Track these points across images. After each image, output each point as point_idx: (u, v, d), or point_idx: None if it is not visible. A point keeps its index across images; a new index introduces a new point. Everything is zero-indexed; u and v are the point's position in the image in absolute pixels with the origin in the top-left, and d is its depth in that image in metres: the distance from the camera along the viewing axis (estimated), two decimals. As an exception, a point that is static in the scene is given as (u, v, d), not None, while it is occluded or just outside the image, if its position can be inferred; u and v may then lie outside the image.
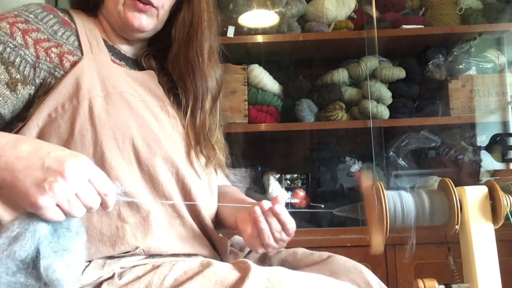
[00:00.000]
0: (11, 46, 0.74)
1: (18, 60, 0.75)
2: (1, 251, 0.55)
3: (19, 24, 0.76)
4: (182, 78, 0.91)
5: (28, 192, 0.58)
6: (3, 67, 0.74)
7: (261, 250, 0.81)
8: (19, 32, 0.75)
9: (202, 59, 0.90)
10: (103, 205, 0.63)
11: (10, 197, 0.68)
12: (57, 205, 0.58)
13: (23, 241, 0.56)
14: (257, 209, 0.78)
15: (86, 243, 0.64)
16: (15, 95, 0.75)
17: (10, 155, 0.61)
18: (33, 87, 0.77)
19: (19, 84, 0.75)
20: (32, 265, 0.56)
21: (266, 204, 0.79)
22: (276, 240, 0.79)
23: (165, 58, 0.93)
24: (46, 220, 0.58)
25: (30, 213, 0.59)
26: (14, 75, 0.74)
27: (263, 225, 0.78)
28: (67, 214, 0.59)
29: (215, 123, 0.95)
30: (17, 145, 0.62)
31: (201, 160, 0.89)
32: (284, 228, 0.79)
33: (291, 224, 0.79)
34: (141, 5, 0.84)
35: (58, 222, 0.59)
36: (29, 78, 0.76)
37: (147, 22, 0.86)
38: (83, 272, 0.70)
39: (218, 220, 0.94)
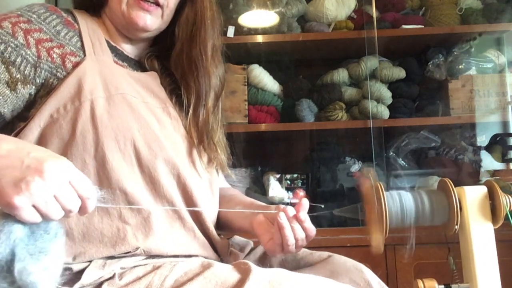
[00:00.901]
0: (13, 45, 0.75)
1: (19, 59, 0.75)
2: None
3: (22, 24, 0.76)
4: (185, 77, 0.90)
5: (4, 191, 0.55)
6: (3, 66, 0.74)
7: (280, 255, 0.81)
8: (21, 32, 0.76)
9: (206, 57, 0.90)
10: (82, 209, 0.61)
11: None
12: (34, 206, 0.56)
13: None
14: (283, 216, 0.77)
15: (65, 245, 0.62)
16: (15, 94, 0.75)
17: None
18: (33, 87, 0.77)
19: (19, 83, 0.75)
20: (7, 269, 0.54)
21: (291, 210, 0.78)
22: (297, 246, 0.79)
23: (168, 58, 0.93)
24: (22, 222, 0.56)
25: (6, 214, 0.56)
26: (14, 75, 0.74)
27: (288, 232, 0.77)
28: (43, 216, 0.57)
29: (217, 122, 0.95)
30: None
31: (204, 159, 0.89)
32: (306, 234, 0.79)
33: (312, 231, 0.79)
34: (146, 5, 0.84)
35: (35, 224, 0.57)
36: (30, 78, 0.76)
37: (152, 22, 0.86)
38: (83, 272, 0.70)
39: (223, 221, 0.94)
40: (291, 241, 0.77)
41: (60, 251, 0.59)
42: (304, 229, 0.78)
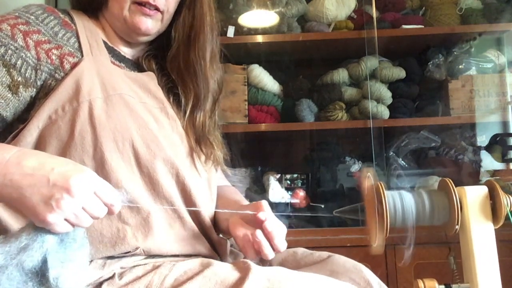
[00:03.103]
0: (13, 48, 0.74)
1: (19, 62, 0.74)
2: (10, 259, 0.57)
3: (20, 26, 0.76)
4: (182, 78, 0.91)
5: (36, 209, 0.59)
6: (4, 69, 0.73)
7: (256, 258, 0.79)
8: (20, 34, 0.75)
9: (204, 62, 0.91)
10: (109, 213, 0.65)
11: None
12: (65, 219, 0.60)
13: (31, 251, 0.58)
14: (259, 235, 0.75)
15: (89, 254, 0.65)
16: (17, 97, 0.75)
17: (14, 172, 0.61)
18: (34, 89, 0.77)
19: (21, 86, 0.75)
20: (42, 274, 0.58)
21: (266, 222, 0.75)
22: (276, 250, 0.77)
23: (164, 57, 0.93)
24: (53, 232, 0.60)
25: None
26: (15, 78, 0.74)
27: (266, 250, 0.75)
28: (75, 226, 0.62)
29: (213, 124, 0.96)
30: (21, 161, 0.62)
31: (201, 157, 0.90)
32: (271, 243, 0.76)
33: (278, 229, 0.76)
34: (147, 10, 0.84)
35: (65, 233, 0.61)
36: (31, 81, 0.76)
37: (153, 26, 0.87)
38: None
39: (215, 222, 0.94)
40: (270, 255, 0.75)
41: (86, 260, 0.63)
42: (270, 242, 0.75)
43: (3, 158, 0.62)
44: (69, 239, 0.62)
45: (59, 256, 0.60)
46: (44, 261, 0.58)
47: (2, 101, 0.74)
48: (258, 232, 0.75)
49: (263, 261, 0.90)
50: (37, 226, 0.60)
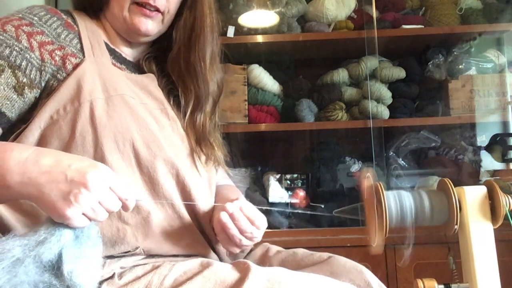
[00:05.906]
0: (17, 49, 0.74)
1: (24, 63, 0.75)
2: (28, 251, 0.59)
3: (24, 27, 0.76)
4: (182, 79, 0.91)
5: (56, 205, 0.61)
6: (10, 70, 0.74)
7: (236, 250, 0.83)
8: (25, 35, 0.75)
9: (204, 64, 0.91)
10: (124, 208, 0.67)
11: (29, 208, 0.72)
12: (83, 214, 0.62)
13: (50, 244, 0.60)
14: (223, 216, 0.78)
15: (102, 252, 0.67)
16: (22, 98, 0.75)
17: (33, 171, 0.62)
18: (39, 90, 0.77)
19: (26, 87, 0.75)
20: (57, 268, 0.60)
21: (230, 206, 0.79)
22: (248, 238, 0.80)
23: (165, 59, 0.93)
24: (70, 227, 0.62)
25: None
26: (21, 79, 0.74)
27: (232, 231, 0.78)
28: (91, 220, 0.64)
29: (213, 125, 0.96)
30: (38, 159, 0.63)
31: (202, 158, 0.90)
32: (253, 224, 0.80)
33: (258, 219, 0.80)
34: (148, 11, 0.85)
35: (80, 229, 0.63)
36: (36, 82, 0.76)
37: (153, 27, 0.87)
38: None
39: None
40: (237, 237, 0.79)
41: (99, 257, 0.65)
42: (249, 219, 0.79)
43: (21, 157, 0.64)
44: (83, 237, 0.63)
45: (74, 252, 0.61)
46: (60, 255, 0.60)
47: (8, 102, 0.74)
48: (223, 214, 0.78)
49: (263, 262, 0.90)
50: (55, 221, 0.62)
